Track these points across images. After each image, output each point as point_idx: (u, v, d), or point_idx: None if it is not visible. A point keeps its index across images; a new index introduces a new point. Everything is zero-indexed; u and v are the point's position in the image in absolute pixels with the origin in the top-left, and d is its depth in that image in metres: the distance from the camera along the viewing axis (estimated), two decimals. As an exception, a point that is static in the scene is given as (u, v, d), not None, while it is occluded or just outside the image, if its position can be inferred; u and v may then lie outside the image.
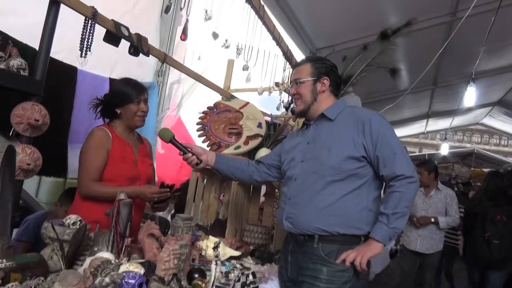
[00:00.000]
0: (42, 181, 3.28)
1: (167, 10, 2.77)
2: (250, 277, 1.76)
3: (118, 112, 2.16)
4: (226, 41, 2.61)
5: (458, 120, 11.47)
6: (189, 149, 2.03)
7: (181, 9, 1.90)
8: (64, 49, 2.50)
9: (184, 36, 1.96)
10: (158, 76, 2.47)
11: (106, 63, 2.87)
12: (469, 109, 9.46)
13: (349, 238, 1.73)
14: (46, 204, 3.15)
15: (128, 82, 2.19)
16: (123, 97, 2.14)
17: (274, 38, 2.85)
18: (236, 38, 2.77)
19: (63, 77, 2.51)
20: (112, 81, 2.79)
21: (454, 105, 9.18)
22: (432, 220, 4.28)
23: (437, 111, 10.17)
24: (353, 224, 1.73)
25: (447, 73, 7.16)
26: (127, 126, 2.18)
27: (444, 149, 12.00)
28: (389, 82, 7.30)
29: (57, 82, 2.44)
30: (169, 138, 2.02)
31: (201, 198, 2.85)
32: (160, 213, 3.56)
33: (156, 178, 3.56)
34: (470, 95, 5.77)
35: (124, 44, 2.13)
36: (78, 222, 1.66)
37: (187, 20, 1.94)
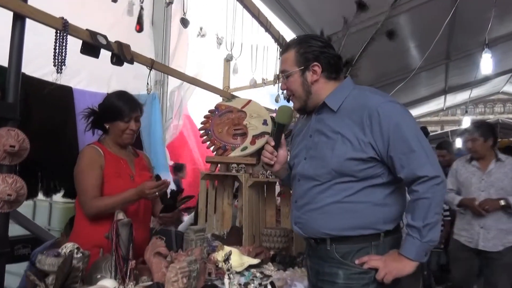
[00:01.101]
0: (53, 209, 3.20)
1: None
2: (269, 287, 1.60)
3: (107, 127, 2.04)
4: (201, 29, 2.41)
5: (477, 92, 11.03)
6: (277, 153, 1.69)
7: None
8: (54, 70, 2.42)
9: (139, 26, 1.80)
10: (147, 85, 2.32)
11: (100, 79, 2.77)
12: (487, 78, 9.07)
13: (366, 237, 1.50)
14: (58, 232, 3.06)
15: (121, 97, 2.06)
16: (113, 113, 2.02)
17: (262, 23, 2.66)
18: (215, 27, 2.58)
19: (59, 98, 2.41)
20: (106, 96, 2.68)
21: (472, 77, 8.82)
22: (502, 203, 2.97)
23: (454, 85, 9.79)
24: (366, 225, 1.49)
25: (459, 44, 6.85)
26: (116, 142, 2.06)
27: (466, 123, 11.54)
28: (400, 62, 7.11)
29: (54, 105, 2.35)
30: (284, 122, 1.69)
31: (214, 207, 2.70)
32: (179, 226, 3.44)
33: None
34: (486, 62, 5.45)
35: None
36: (75, 250, 1.54)
37: (141, 8, 1.77)
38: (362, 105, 1.49)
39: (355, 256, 1.48)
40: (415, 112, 11.78)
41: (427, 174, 1.40)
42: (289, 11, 3.80)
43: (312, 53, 1.56)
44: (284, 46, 1.68)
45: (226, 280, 1.62)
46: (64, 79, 2.60)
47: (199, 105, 3.60)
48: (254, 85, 2.99)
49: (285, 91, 1.70)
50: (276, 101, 3.18)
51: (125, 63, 1.99)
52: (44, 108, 2.32)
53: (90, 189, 1.93)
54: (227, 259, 1.62)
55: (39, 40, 1.93)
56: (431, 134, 9.53)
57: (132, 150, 2.20)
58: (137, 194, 1.94)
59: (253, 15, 2.59)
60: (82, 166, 1.96)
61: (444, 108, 12.36)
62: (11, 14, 1.47)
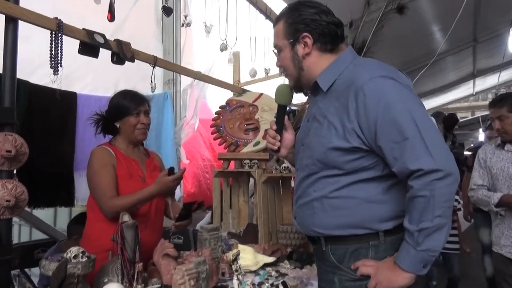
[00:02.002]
0: (73, 212, 3.23)
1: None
2: (281, 287, 1.52)
3: (118, 126, 2.01)
4: (186, 17, 2.32)
5: (508, 74, 10.52)
6: (282, 134, 1.52)
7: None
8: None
9: (110, 15, 1.74)
10: (151, 83, 2.27)
11: (108, 82, 2.76)
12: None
13: (361, 237, 1.28)
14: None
15: (126, 94, 2.04)
16: (121, 110, 1.99)
17: (261, 10, 2.53)
18: (207, 16, 2.47)
19: (62, 104, 2.41)
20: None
21: (501, 58, 8.42)
22: None
23: (483, 68, 9.39)
24: (357, 224, 1.27)
25: (487, 25, 6.53)
26: (129, 141, 2.02)
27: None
28: (424, 47, 6.84)
29: (55, 111, 2.35)
30: (283, 103, 1.51)
31: (229, 204, 2.64)
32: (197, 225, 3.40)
33: (183, 194, 3.42)
34: (514, 41, 5.14)
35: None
36: (80, 255, 1.50)
37: None
38: (349, 84, 1.25)
39: (351, 258, 1.29)
40: (444, 98, 11.38)
41: (422, 167, 1.12)
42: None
43: (302, 22, 1.33)
44: (275, 18, 1.46)
45: (235, 281, 1.55)
46: (70, 84, 2.62)
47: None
48: (254, 75, 2.89)
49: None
50: None
51: (127, 63, 1.95)
52: (47, 115, 2.32)
53: (107, 188, 1.89)
54: (235, 259, 1.54)
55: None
56: (461, 120, 9.15)
57: (143, 151, 2.16)
58: (157, 189, 1.91)
59: (251, 2, 2.49)
60: (95, 167, 1.93)
61: (474, 93, 11.86)
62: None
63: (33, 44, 2.10)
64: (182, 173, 1.98)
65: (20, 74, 1.97)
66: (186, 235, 2.95)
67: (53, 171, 2.52)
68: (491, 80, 11.01)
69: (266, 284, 1.76)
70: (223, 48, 2.58)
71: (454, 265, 3.56)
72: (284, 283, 1.54)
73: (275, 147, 1.51)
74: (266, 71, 2.93)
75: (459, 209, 3.74)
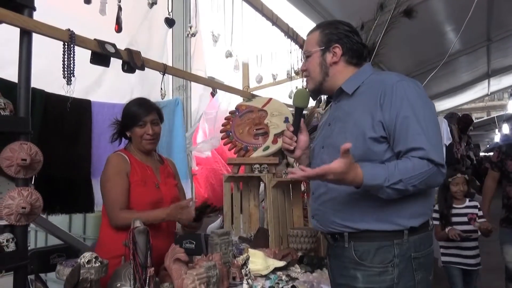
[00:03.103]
0: (88, 218, 3.28)
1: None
2: (290, 291, 1.53)
3: (128, 135, 2.05)
4: (191, 28, 2.35)
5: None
6: (297, 136, 1.59)
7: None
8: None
9: (118, 27, 1.78)
10: (160, 90, 2.31)
11: (122, 90, 2.80)
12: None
13: (388, 233, 1.36)
14: (93, 240, 3.13)
15: (135, 103, 2.07)
16: (129, 120, 2.03)
17: (267, 17, 2.57)
18: (215, 26, 2.50)
19: (76, 112, 2.47)
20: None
21: (517, 58, 8.29)
22: None
23: (498, 68, 9.24)
24: (385, 219, 1.36)
25: (500, 23, 6.44)
26: (139, 149, 2.06)
27: (512, 107, 10.89)
28: (437, 47, 6.78)
29: (70, 119, 2.40)
30: (301, 106, 1.62)
31: (240, 209, 2.66)
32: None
33: (196, 199, 3.44)
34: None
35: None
36: (93, 260, 1.54)
37: (119, 8, 1.75)
38: (379, 85, 1.42)
39: (375, 255, 1.36)
40: (458, 99, 11.24)
41: (422, 146, 1.28)
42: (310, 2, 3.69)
43: (336, 34, 1.52)
44: (311, 29, 1.64)
45: (245, 286, 1.56)
46: (86, 93, 2.67)
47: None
48: (260, 81, 2.91)
49: (303, 83, 1.64)
50: (290, 97, 3.08)
51: (137, 71, 1.99)
52: (63, 123, 2.37)
53: (117, 198, 1.93)
54: (244, 263, 1.56)
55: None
56: (476, 121, 9.01)
57: (157, 157, 2.19)
58: (168, 215, 1.94)
59: (256, 9, 2.51)
60: (109, 175, 1.97)
61: (489, 93, 11.69)
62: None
63: (46, 56, 2.16)
64: (191, 204, 1.97)
65: (37, 84, 2.04)
66: (198, 240, 2.96)
67: (71, 178, 2.55)
68: (506, 80, 10.84)
69: (280, 285, 1.77)
70: (228, 55, 2.61)
71: (474, 279, 3.13)
72: (293, 287, 1.55)
73: (292, 147, 1.59)
74: (274, 77, 2.95)
75: (481, 216, 3.06)
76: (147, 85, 3.27)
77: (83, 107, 2.69)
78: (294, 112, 1.65)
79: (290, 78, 2.74)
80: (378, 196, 1.33)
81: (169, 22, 2.21)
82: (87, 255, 1.55)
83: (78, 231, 3.16)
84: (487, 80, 10.05)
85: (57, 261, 2.60)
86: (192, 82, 3.42)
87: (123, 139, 2.16)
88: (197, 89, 3.55)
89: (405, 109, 1.33)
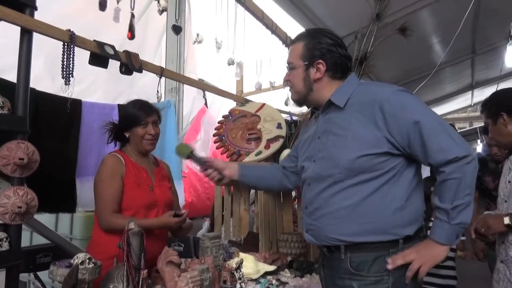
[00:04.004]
0: (75, 218, 3.25)
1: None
2: (281, 296, 1.56)
3: (127, 136, 2.05)
4: (198, 35, 2.38)
5: (505, 86, 10.61)
6: (210, 164, 1.78)
7: (117, 1, 1.70)
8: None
9: (130, 34, 1.80)
10: (157, 93, 2.33)
11: (112, 91, 2.80)
12: (514, 71, 8.73)
13: (384, 244, 1.40)
14: (80, 241, 3.11)
15: (135, 104, 2.08)
16: (130, 120, 2.04)
17: (267, 26, 2.62)
18: (217, 32, 2.54)
19: (66, 112, 2.46)
20: (121, 107, 2.72)
21: (499, 71, 8.51)
22: None
23: (482, 80, 9.47)
24: (384, 230, 1.39)
25: (485, 37, 6.62)
26: (138, 150, 2.06)
27: (495, 119, 11.12)
28: (424, 58, 6.92)
29: (59, 119, 2.38)
30: (187, 154, 1.79)
31: (230, 213, 2.68)
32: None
33: (184, 202, 3.45)
34: (511, 56, 5.21)
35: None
36: (87, 261, 1.54)
37: (132, 15, 1.77)
38: (371, 99, 1.42)
39: (372, 265, 1.39)
40: (442, 109, 11.45)
41: (457, 155, 1.31)
42: (303, 10, 3.73)
43: (319, 49, 1.51)
44: (294, 37, 1.64)
45: (237, 289, 1.58)
46: (77, 92, 2.66)
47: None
48: (260, 88, 2.95)
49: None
50: (286, 104, 3.12)
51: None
52: (52, 122, 2.36)
53: (109, 200, 1.93)
54: (238, 267, 1.58)
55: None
56: (459, 131, 9.22)
57: (153, 159, 2.20)
58: (161, 225, 1.97)
59: (257, 18, 2.55)
60: (103, 175, 1.97)
61: (472, 104, 11.96)
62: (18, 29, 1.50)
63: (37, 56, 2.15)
64: (186, 216, 2.01)
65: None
66: (187, 243, 2.97)
67: (56, 177, 2.54)
68: (489, 92, 11.08)
69: (268, 291, 1.80)
70: (231, 62, 2.63)
71: None
72: (285, 292, 1.57)
73: (218, 177, 1.76)
74: (272, 84, 2.98)
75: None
76: (136, 88, 3.27)
77: (73, 106, 2.67)
78: (189, 160, 1.82)
79: (285, 85, 2.78)
80: (374, 209, 1.39)
81: (176, 29, 2.23)
82: (81, 256, 1.54)
83: (65, 231, 3.13)
84: (470, 92, 10.28)
85: (43, 261, 2.59)
86: (184, 85, 3.43)
87: (112, 142, 2.16)
88: (190, 92, 3.57)
89: (410, 116, 1.35)
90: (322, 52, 1.51)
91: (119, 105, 2.85)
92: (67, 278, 1.15)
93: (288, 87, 1.65)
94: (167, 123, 3.25)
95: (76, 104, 2.71)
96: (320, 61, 1.51)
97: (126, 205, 1.98)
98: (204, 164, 1.78)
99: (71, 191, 2.66)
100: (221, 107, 3.15)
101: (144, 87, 3.13)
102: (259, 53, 2.93)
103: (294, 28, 3.26)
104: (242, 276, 1.60)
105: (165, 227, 1.99)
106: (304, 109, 2.70)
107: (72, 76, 1.62)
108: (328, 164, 1.47)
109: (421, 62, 7.12)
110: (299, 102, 1.64)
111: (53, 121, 2.48)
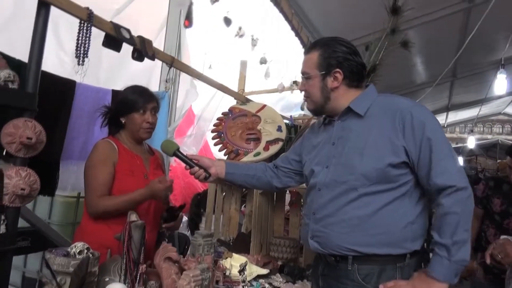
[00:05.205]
0: (54, 203, 3.12)
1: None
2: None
3: (123, 121, 1.97)
4: (240, 29, 2.34)
5: (475, 112, 11.03)
6: (196, 162, 1.77)
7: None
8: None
9: (188, 22, 1.76)
10: (166, 82, 2.26)
11: (106, 75, 2.71)
12: (491, 99, 9.10)
13: (392, 257, 1.40)
14: (58, 226, 2.98)
15: (135, 89, 2.01)
16: (128, 105, 1.96)
17: (293, 28, 2.60)
18: (250, 28, 2.50)
19: (59, 92, 2.35)
20: (115, 92, 2.62)
21: (477, 96, 8.83)
22: None
23: (457, 103, 9.81)
24: (395, 243, 1.39)
25: (468, 63, 6.84)
26: (133, 137, 1.99)
27: (471, 142, 11.62)
28: (406, 76, 7.09)
29: (52, 98, 2.28)
30: (173, 150, 1.78)
31: (221, 211, 2.64)
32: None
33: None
34: (501, 83, 5.42)
35: (125, 52, 1.95)
36: (85, 251, 1.47)
37: (190, 3, 1.72)
38: (392, 109, 1.44)
39: (379, 279, 1.38)
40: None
41: (456, 184, 1.30)
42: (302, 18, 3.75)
43: (336, 58, 1.50)
44: (309, 46, 1.63)
45: (240, 292, 1.55)
46: (65, 74, 2.56)
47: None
48: (282, 90, 2.92)
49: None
50: (302, 108, 3.11)
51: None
52: (44, 101, 2.28)
53: (98, 186, 1.85)
54: (242, 269, 1.55)
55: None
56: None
57: (147, 148, 2.13)
58: (147, 194, 1.86)
59: (286, 18, 2.53)
60: (94, 161, 1.89)
61: (445, 125, 12.35)
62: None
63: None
64: (171, 182, 1.94)
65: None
66: (172, 238, 2.91)
67: (40, 158, 2.44)
68: (462, 115, 11.51)
69: (263, 295, 1.77)
70: (263, 61, 2.59)
71: None
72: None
73: (204, 175, 1.77)
74: (293, 86, 2.95)
75: None
76: (126, 75, 3.18)
77: (67, 87, 2.57)
78: (177, 158, 1.80)
79: (304, 96, 2.79)
80: (388, 221, 1.39)
81: (227, 21, 2.18)
82: (78, 245, 1.47)
83: (43, 216, 2.99)
84: (446, 113, 10.61)
85: (21, 245, 2.47)
86: (180, 77, 3.37)
87: (103, 128, 2.09)
88: (184, 84, 3.50)
89: (426, 132, 1.36)
90: (339, 61, 1.50)
91: (113, 91, 2.77)
92: (77, 270, 1.09)
93: (305, 99, 1.64)
94: (160, 114, 3.18)
95: (70, 85, 2.61)
96: (337, 69, 1.51)
97: (118, 193, 1.90)
98: (190, 161, 1.77)
99: (53, 174, 2.55)
100: (219, 104, 3.10)
101: (136, 76, 3.05)
102: (284, 54, 2.89)
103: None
104: (246, 279, 1.57)
105: (153, 197, 1.88)
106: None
107: (87, 57, 1.54)
108: (343, 171, 1.46)
109: (402, 80, 7.30)
110: (316, 112, 1.64)
111: (45, 100, 2.37)
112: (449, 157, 1.35)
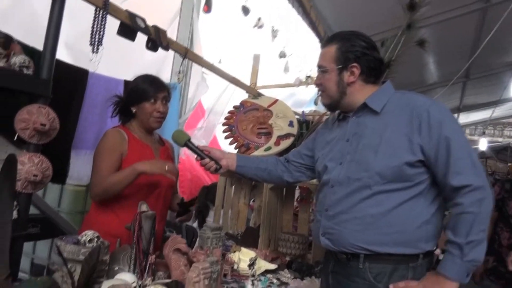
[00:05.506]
0: (64, 191, 3.14)
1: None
2: (292, 297, 1.52)
3: (133, 111, 1.96)
4: (259, 19, 2.31)
5: (488, 114, 10.88)
6: (207, 153, 1.75)
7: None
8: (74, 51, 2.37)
9: (207, 7, 1.74)
10: (179, 73, 2.25)
11: (118, 66, 2.70)
12: (505, 101, 8.96)
13: (405, 257, 1.38)
14: (68, 214, 3.01)
15: (146, 78, 1.99)
16: (139, 94, 1.95)
17: (311, 21, 2.56)
18: (269, 19, 2.47)
19: (72, 81, 2.35)
20: (127, 83, 2.62)
21: (490, 98, 8.70)
22: None
23: (469, 104, 9.68)
24: (409, 242, 1.37)
25: (482, 64, 6.74)
26: (143, 127, 1.98)
27: (483, 144, 11.48)
28: (417, 75, 7.01)
29: (64, 87, 2.28)
30: (184, 141, 1.76)
31: (230, 205, 2.63)
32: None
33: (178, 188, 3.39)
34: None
35: (138, 42, 1.94)
36: (95, 239, 1.46)
37: None
38: (409, 106, 1.41)
39: (390, 278, 1.36)
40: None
41: (472, 183, 1.28)
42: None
43: (353, 53, 1.48)
44: (326, 40, 1.60)
45: (249, 286, 1.54)
46: (84, 63, 2.56)
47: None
48: (299, 84, 2.89)
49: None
50: (315, 103, 3.08)
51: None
52: (56, 89, 2.30)
53: (103, 172, 1.83)
54: (252, 264, 1.53)
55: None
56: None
57: (158, 138, 2.12)
58: (153, 168, 1.80)
59: (305, 12, 2.49)
60: (102, 148, 1.88)
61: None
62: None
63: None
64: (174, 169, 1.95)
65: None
66: (179, 230, 2.92)
67: (51, 146, 2.46)
68: (474, 116, 11.37)
69: (272, 290, 1.76)
70: (282, 55, 2.57)
71: None
72: (295, 294, 1.54)
73: (214, 167, 1.74)
74: (308, 80, 2.93)
75: None
76: (137, 67, 3.17)
77: (79, 76, 2.58)
78: (187, 148, 1.77)
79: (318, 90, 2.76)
80: (402, 220, 1.36)
81: (245, 11, 2.16)
82: (89, 234, 1.47)
83: (53, 204, 3.01)
84: (457, 114, 10.48)
85: (31, 231, 2.49)
86: (192, 69, 3.36)
87: (115, 118, 2.08)
88: (195, 76, 3.49)
89: (444, 131, 1.33)
90: (357, 55, 1.48)
91: (125, 81, 2.77)
92: (88, 258, 1.08)
93: (319, 91, 1.62)
94: (170, 106, 3.18)
95: (83, 74, 2.61)
96: (355, 64, 1.48)
97: None
98: (201, 153, 1.75)
99: (65, 162, 2.57)
100: (230, 97, 3.08)
101: (148, 67, 3.05)
102: (303, 48, 2.86)
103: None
104: (256, 273, 1.55)
105: (155, 172, 1.82)
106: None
107: (101, 44, 1.53)
108: (357, 168, 1.44)
109: (413, 79, 7.21)
110: (330, 107, 1.61)
111: (58, 88, 2.39)
112: (468, 156, 1.31)
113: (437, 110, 1.37)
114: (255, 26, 2.36)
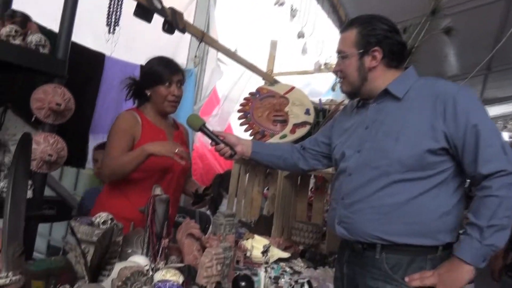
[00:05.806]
0: (80, 174, 3.17)
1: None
2: (306, 286, 1.49)
3: (148, 94, 1.94)
4: None
5: (509, 108, 10.60)
6: (222, 138, 1.72)
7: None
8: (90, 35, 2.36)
9: None
10: (195, 57, 2.22)
11: (134, 50, 2.69)
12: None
13: (424, 248, 1.33)
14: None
15: (161, 61, 1.96)
16: (153, 77, 1.92)
17: (332, 4, 2.49)
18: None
19: (89, 64, 2.35)
20: (143, 68, 2.62)
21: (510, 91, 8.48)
22: None
23: (491, 98, 9.45)
24: (428, 233, 1.32)
25: (505, 56, 6.53)
26: (157, 111, 1.96)
27: (505, 139, 11.22)
28: (437, 66, 6.84)
29: (81, 70, 2.28)
30: (199, 125, 1.72)
31: (243, 192, 2.61)
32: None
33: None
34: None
35: (154, 26, 1.91)
36: (109, 221, 1.46)
37: None
38: (434, 92, 1.34)
39: (407, 270, 1.32)
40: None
41: (503, 168, 1.22)
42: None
43: (375, 36, 1.41)
44: (346, 24, 1.53)
45: (262, 273, 1.52)
46: (100, 46, 2.55)
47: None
48: (318, 68, 2.83)
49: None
50: (333, 89, 3.01)
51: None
52: (73, 72, 2.31)
53: (114, 153, 1.82)
54: (266, 251, 1.52)
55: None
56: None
57: (172, 122, 2.10)
58: (164, 149, 1.77)
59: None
60: (114, 130, 1.88)
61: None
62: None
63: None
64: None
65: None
66: (192, 216, 2.92)
67: (69, 130, 2.47)
68: (495, 110, 11.11)
69: (283, 280, 1.74)
70: (301, 35, 2.51)
71: None
72: (309, 283, 1.51)
73: (229, 152, 1.71)
74: (327, 66, 2.87)
75: None
76: (160, 48, 3.15)
77: (96, 60, 2.57)
78: (201, 132, 1.74)
79: (337, 77, 2.71)
80: (422, 211, 1.32)
81: None
82: (103, 215, 1.46)
83: (69, 187, 3.04)
84: (477, 108, 10.25)
85: (47, 213, 2.51)
86: (208, 56, 3.33)
87: (125, 100, 2.06)
88: (211, 63, 3.46)
89: (471, 119, 1.27)
90: (378, 39, 1.41)
91: (141, 66, 2.76)
92: (101, 239, 1.07)
93: (339, 78, 1.56)
94: (186, 92, 3.16)
95: (99, 58, 2.61)
96: (376, 48, 1.42)
97: (141, 167, 1.88)
98: (216, 138, 1.72)
99: (83, 146, 2.58)
100: (246, 84, 3.05)
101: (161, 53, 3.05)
102: (322, 31, 2.80)
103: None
104: (269, 260, 1.54)
105: (164, 154, 1.77)
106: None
107: (118, 25, 1.51)
108: (376, 155, 1.39)
109: (431, 71, 7.02)
110: (351, 94, 1.55)
111: (75, 72, 2.39)
112: (498, 144, 1.25)
113: (464, 98, 1.31)
114: (276, 3, 2.30)
